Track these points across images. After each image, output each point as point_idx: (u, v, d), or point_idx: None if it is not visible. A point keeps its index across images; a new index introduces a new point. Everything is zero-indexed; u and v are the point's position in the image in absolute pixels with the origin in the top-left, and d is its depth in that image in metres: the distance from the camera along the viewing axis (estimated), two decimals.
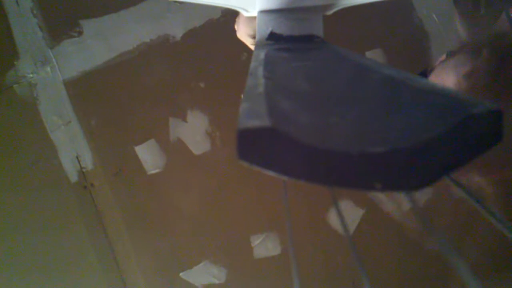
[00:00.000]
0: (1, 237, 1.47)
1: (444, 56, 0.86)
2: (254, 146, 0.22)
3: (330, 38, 0.49)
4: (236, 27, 0.59)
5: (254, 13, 0.46)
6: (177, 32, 1.52)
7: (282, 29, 0.44)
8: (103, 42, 1.51)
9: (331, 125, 0.25)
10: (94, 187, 1.49)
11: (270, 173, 0.22)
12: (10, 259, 1.46)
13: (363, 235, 1.47)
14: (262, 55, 0.37)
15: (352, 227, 1.46)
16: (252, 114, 0.23)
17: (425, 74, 0.90)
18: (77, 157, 1.49)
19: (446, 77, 0.75)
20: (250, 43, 0.58)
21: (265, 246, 1.47)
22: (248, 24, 0.53)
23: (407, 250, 1.44)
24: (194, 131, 1.50)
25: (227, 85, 1.47)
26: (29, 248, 1.46)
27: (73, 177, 1.49)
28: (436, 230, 0.23)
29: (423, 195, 1.37)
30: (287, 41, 0.43)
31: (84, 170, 1.49)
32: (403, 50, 1.46)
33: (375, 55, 1.48)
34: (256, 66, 0.34)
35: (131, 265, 1.47)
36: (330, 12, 0.46)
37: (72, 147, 1.49)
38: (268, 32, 0.43)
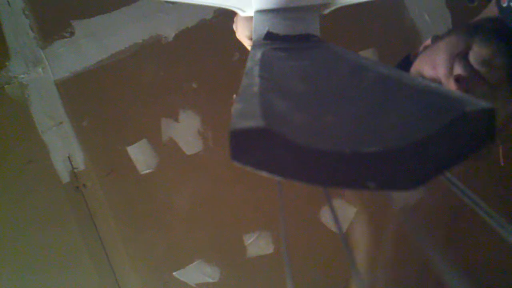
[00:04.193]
0: None
1: (429, 41, 0.86)
2: (247, 146, 0.22)
3: (323, 38, 0.49)
4: (234, 27, 0.59)
5: (250, 13, 0.46)
6: (169, 32, 1.51)
7: (279, 29, 0.44)
8: (95, 42, 1.50)
9: (326, 125, 0.25)
10: (86, 188, 1.49)
11: (264, 173, 0.22)
12: (2, 260, 1.45)
13: (356, 234, 1.47)
14: (258, 55, 0.37)
15: (344, 225, 1.46)
16: (245, 114, 0.23)
17: (408, 59, 0.90)
18: (69, 158, 1.48)
19: (437, 58, 0.75)
20: (248, 44, 0.58)
21: (258, 244, 1.47)
22: (246, 24, 0.53)
23: (400, 249, 1.44)
24: (186, 131, 1.49)
25: (219, 85, 1.47)
26: (21, 249, 1.45)
27: (65, 178, 1.48)
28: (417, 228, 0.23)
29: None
30: (284, 41, 0.44)
31: (76, 170, 1.48)
32: (395, 49, 1.47)
33: (367, 55, 1.48)
34: (252, 65, 0.34)
35: (124, 265, 1.46)
36: (326, 12, 0.47)
37: (64, 148, 1.49)
38: (264, 31, 0.44)
